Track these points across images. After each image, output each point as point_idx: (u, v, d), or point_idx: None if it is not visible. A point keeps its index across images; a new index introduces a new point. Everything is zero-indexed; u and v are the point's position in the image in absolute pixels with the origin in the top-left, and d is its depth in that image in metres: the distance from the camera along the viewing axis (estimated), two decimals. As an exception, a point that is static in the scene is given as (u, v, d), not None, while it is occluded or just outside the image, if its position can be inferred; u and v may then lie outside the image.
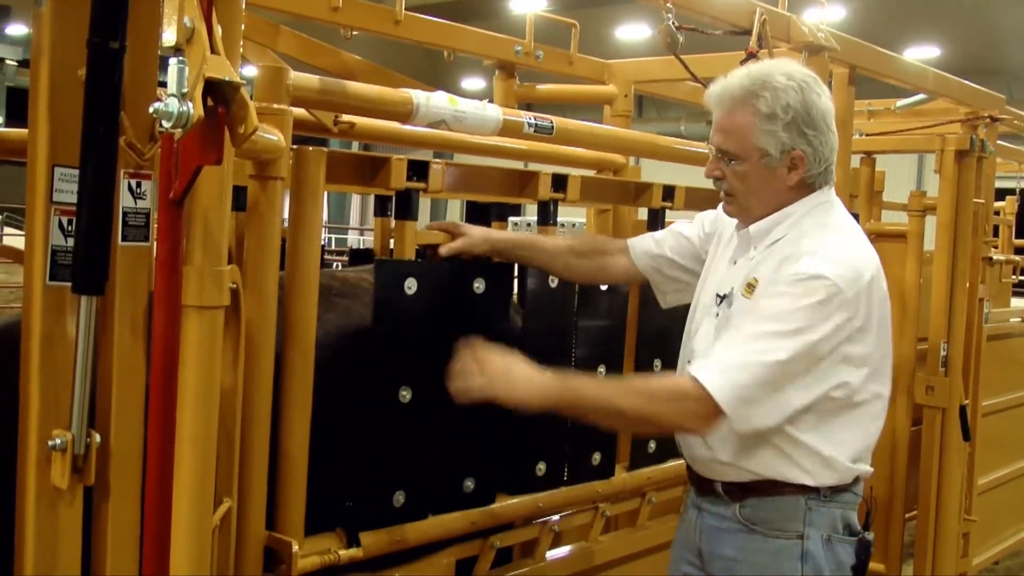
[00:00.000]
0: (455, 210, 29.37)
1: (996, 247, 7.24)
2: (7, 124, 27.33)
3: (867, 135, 5.09)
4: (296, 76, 2.27)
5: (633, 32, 18.75)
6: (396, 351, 2.51)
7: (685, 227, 2.82)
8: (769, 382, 2.27)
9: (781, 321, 2.27)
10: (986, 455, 5.42)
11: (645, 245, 2.82)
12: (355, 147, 14.87)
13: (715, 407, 2.24)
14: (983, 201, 4.86)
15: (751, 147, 2.41)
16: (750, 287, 2.42)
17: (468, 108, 2.60)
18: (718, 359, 2.30)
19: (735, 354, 2.29)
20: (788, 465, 2.39)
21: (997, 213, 7.24)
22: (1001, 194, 7.27)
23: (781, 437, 2.36)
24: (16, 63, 22.98)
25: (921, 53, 21.91)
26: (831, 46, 3.37)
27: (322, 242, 2.51)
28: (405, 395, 2.52)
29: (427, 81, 3.06)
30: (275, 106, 2.19)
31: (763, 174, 2.43)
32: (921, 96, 4.71)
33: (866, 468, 2.47)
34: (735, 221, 2.60)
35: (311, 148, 2.27)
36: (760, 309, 2.33)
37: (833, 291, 2.28)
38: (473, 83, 22.88)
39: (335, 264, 11.40)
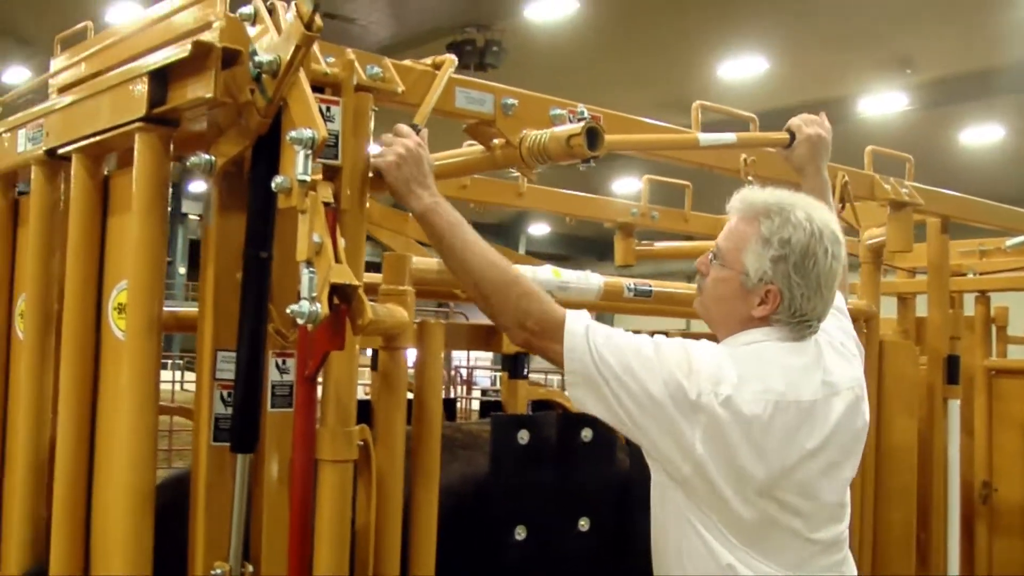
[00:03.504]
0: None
1: None
2: (188, 273, 29.14)
3: (981, 274, 5.27)
4: (417, 260, 2.67)
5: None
6: (512, 494, 2.85)
7: None
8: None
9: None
10: None
11: None
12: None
13: (558, 332, 2.32)
14: (1103, 334, 4.97)
15: (738, 259, 2.41)
16: None
17: (571, 278, 2.97)
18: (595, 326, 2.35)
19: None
20: None
21: None
22: None
23: None
24: (198, 217, 24.61)
25: (984, 135, 20.61)
26: (915, 201, 3.65)
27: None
28: (520, 533, 2.85)
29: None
30: (399, 288, 2.57)
31: (735, 290, 2.42)
32: (1026, 237, 4.90)
33: None
34: None
35: (432, 322, 2.67)
36: None
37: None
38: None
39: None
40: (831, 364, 2.48)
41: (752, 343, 2.42)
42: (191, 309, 2.63)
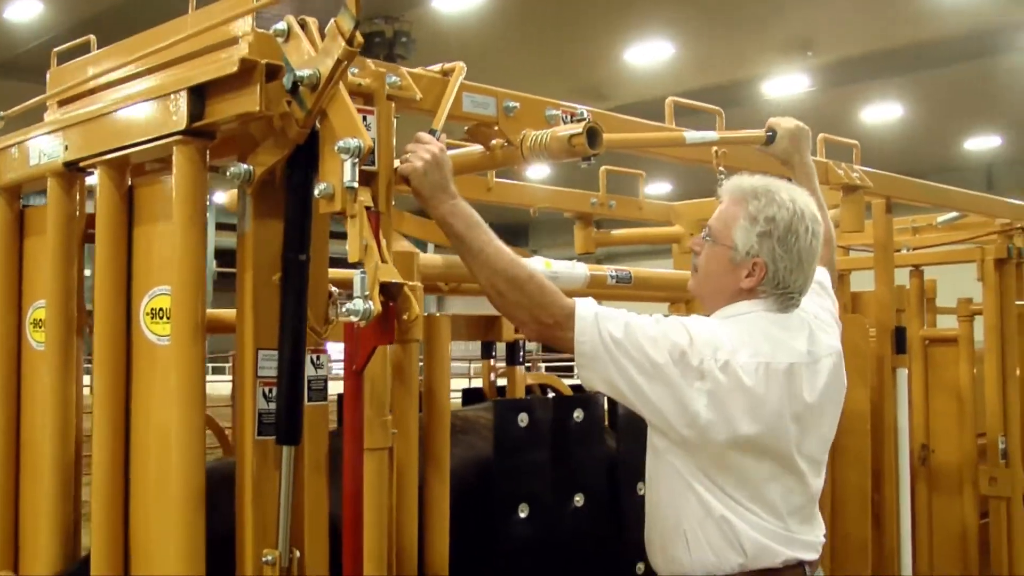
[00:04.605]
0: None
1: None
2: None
3: (914, 249, 5.56)
4: (423, 257, 2.81)
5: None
6: (515, 474, 3.02)
7: None
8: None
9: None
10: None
11: None
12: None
13: (570, 321, 2.50)
14: (1026, 302, 5.28)
15: (728, 235, 2.63)
16: None
17: (561, 268, 3.15)
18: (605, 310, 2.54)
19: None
20: None
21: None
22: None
23: None
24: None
25: (983, 143, 21.89)
26: (865, 184, 3.89)
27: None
28: (523, 510, 3.01)
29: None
30: (409, 283, 2.71)
31: (725, 265, 2.64)
32: (957, 213, 5.19)
33: None
34: None
35: (439, 315, 2.81)
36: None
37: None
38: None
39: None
40: (813, 333, 2.72)
41: (741, 314, 2.65)
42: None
